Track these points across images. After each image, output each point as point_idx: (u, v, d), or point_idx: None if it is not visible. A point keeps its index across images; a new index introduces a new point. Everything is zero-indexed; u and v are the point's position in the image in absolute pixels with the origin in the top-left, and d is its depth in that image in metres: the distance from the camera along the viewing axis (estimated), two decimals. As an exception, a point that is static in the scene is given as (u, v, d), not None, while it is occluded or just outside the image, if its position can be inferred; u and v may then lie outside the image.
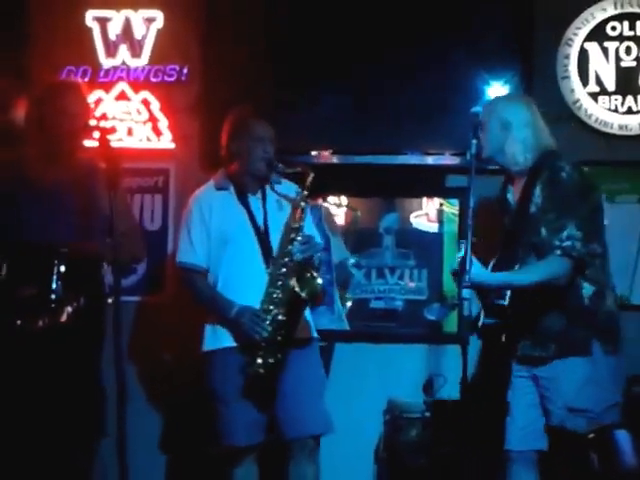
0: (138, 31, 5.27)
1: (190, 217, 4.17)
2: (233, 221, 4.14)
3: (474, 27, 4.96)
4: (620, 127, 5.03)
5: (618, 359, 3.77)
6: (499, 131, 3.86)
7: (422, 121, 4.93)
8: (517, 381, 3.87)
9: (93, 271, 4.11)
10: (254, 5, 5.10)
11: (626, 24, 5.03)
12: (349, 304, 5.15)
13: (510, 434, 3.83)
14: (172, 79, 5.27)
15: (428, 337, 5.09)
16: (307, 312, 4.14)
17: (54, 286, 3.89)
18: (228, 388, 4.04)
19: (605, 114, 5.03)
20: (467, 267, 3.48)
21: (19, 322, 3.90)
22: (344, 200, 5.20)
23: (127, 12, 5.27)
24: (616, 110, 5.03)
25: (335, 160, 5.07)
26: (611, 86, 5.04)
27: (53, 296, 3.89)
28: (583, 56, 5.06)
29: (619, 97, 5.03)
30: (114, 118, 5.24)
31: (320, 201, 5.09)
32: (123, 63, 5.28)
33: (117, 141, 5.14)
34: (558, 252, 3.63)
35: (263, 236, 4.12)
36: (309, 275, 4.02)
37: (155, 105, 5.25)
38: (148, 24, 5.27)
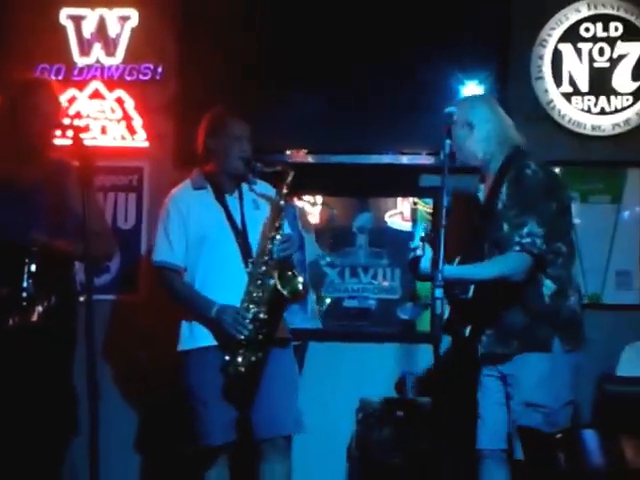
0: (113, 29, 5.25)
1: (167, 216, 4.14)
2: (211, 220, 4.12)
3: (449, 27, 4.98)
4: (593, 127, 5.05)
5: (578, 357, 3.80)
6: (462, 132, 3.90)
7: (396, 121, 4.95)
8: (486, 380, 3.89)
9: (64, 270, 4.10)
10: (230, 4, 5.09)
11: (599, 25, 5.06)
12: (328, 301, 5.15)
13: (481, 433, 3.87)
14: (147, 78, 5.25)
15: (401, 336, 5.10)
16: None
17: (25, 285, 3.87)
18: (205, 387, 4.02)
19: (578, 114, 5.06)
20: (439, 266, 3.50)
21: (-12, 321, 3.89)
22: (319, 199, 5.20)
23: (102, 10, 5.25)
24: (589, 111, 5.05)
25: (310, 159, 5.07)
26: (584, 87, 5.06)
27: (24, 295, 3.88)
28: (557, 57, 5.08)
29: (592, 98, 5.05)
30: (88, 116, 5.22)
31: (294, 200, 5.09)
32: (97, 61, 5.26)
33: (91, 139, 5.13)
34: (517, 248, 3.67)
35: (241, 235, 4.11)
36: (290, 273, 4.01)
37: (129, 104, 5.23)
38: (123, 22, 5.25)
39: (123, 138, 5.23)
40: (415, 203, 4.78)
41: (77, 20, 5.26)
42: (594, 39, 5.06)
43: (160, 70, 5.25)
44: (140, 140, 5.23)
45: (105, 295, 5.02)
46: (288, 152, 5.02)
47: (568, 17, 5.08)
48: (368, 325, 5.13)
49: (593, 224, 4.94)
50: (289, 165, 4.20)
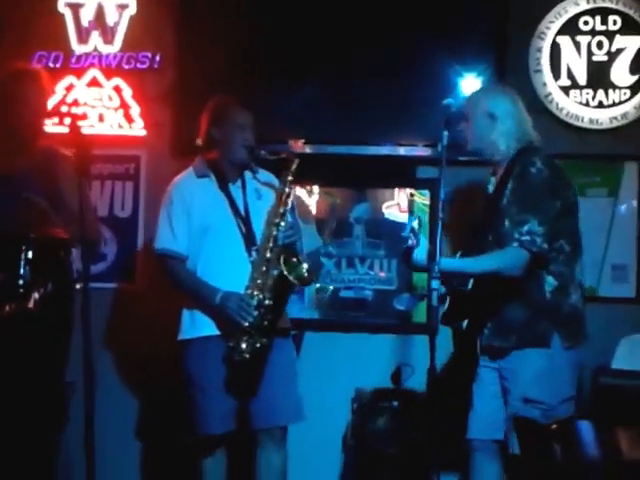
0: (111, 17, 5.24)
1: (170, 203, 4.13)
2: (214, 209, 4.11)
3: (448, 19, 4.97)
4: (591, 121, 5.05)
5: (578, 354, 3.81)
6: (484, 123, 3.90)
7: (394, 112, 4.95)
8: (483, 371, 3.91)
9: (61, 257, 4.09)
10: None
11: (598, 19, 5.05)
12: (331, 289, 5.15)
13: (472, 423, 3.88)
14: (144, 66, 5.24)
15: (397, 327, 5.10)
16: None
17: (22, 272, 3.88)
18: (206, 377, 4.02)
19: (576, 108, 5.06)
20: (436, 258, 3.50)
21: (-15, 308, 3.89)
22: (316, 189, 5.19)
23: (100, -2, 5.25)
24: (587, 104, 5.05)
25: (308, 150, 5.06)
26: (582, 80, 5.06)
27: (21, 282, 3.88)
28: (555, 50, 5.08)
29: (590, 91, 5.05)
30: (85, 104, 5.20)
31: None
32: (95, 49, 5.25)
33: (88, 127, 5.12)
34: (515, 244, 3.68)
35: (245, 224, 4.11)
36: (295, 260, 4.01)
37: (127, 92, 5.22)
38: (121, 10, 5.24)
39: (120, 126, 5.22)
40: (412, 194, 4.78)
41: (75, 8, 5.25)
42: (593, 32, 5.05)
43: (158, 59, 5.24)
44: (137, 128, 5.22)
45: (101, 283, 5.01)
46: (286, 142, 5.01)
47: (567, 10, 5.07)
48: (364, 316, 5.13)
49: (590, 217, 4.88)
50: (293, 153, 4.19)
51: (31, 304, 3.91)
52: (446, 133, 3.69)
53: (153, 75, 5.24)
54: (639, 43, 5.00)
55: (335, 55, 4.99)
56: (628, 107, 5.01)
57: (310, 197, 5.18)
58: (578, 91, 5.06)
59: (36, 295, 3.92)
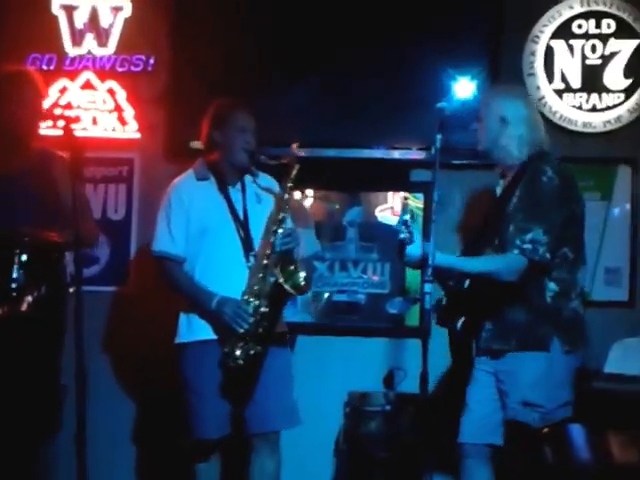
0: (105, 20, 5.24)
1: (169, 205, 4.12)
2: (213, 212, 4.10)
3: (441, 23, 4.97)
4: (584, 124, 5.06)
5: (578, 359, 3.81)
6: (496, 126, 3.89)
7: (388, 115, 4.95)
8: (479, 374, 3.88)
9: (55, 260, 4.09)
10: (223, -4, 5.10)
11: (592, 22, 5.06)
12: (326, 296, 5.15)
13: (464, 426, 3.86)
14: (138, 69, 5.24)
15: (390, 330, 5.10)
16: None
17: (15, 275, 3.88)
18: (202, 381, 4.01)
19: (570, 111, 5.06)
20: (430, 261, 3.50)
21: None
22: (309, 192, 5.19)
23: (94, 1, 5.24)
24: (581, 107, 5.06)
25: (301, 153, 5.05)
26: (576, 83, 5.07)
27: (14, 285, 3.88)
28: (549, 53, 5.09)
29: (584, 94, 5.06)
30: (79, 107, 5.20)
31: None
32: (89, 52, 5.25)
33: (82, 130, 5.12)
34: (515, 251, 3.66)
35: (243, 228, 4.09)
36: (292, 267, 4.00)
37: (121, 95, 5.22)
38: (115, 13, 5.24)
39: (114, 129, 5.22)
40: (406, 198, 4.77)
41: (69, 10, 5.25)
42: (586, 36, 5.06)
43: (152, 61, 5.24)
44: (131, 131, 5.22)
45: (95, 286, 4.99)
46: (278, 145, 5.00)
47: (561, 13, 5.08)
48: (357, 319, 5.13)
49: (583, 221, 4.94)
50: (295, 158, 4.15)
51: (24, 307, 3.92)
52: (440, 136, 3.66)
53: (147, 78, 5.24)
54: (633, 47, 5.02)
55: (328, 59, 4.99)
56: (622, 110, 5.02)
57: (303, 201, 5.18)
58: (572, 94, 5.07)
59: (29, 298, 3.92)
